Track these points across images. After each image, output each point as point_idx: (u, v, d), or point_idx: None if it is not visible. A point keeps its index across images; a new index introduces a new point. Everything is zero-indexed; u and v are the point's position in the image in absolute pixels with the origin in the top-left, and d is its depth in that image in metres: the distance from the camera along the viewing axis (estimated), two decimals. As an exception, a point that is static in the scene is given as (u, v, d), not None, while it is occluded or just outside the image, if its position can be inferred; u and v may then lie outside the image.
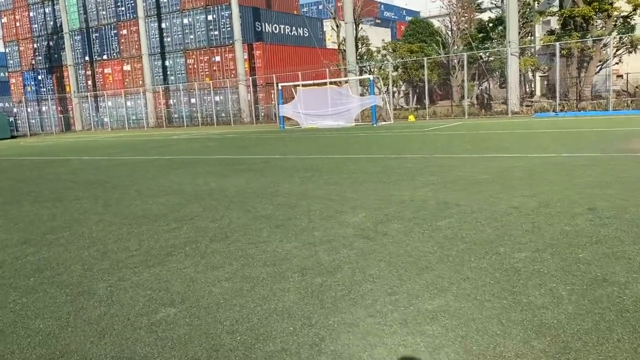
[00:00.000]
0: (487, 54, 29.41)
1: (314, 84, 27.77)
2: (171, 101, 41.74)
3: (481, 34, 30.38)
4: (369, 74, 28.66)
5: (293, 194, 7.49)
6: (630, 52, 26.05)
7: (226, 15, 37.96)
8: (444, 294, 3.46)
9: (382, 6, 65.27)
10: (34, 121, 49.87)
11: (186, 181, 9.55)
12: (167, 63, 41.53)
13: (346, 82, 27.11)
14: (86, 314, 3.55)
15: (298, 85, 26.97)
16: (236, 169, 10.86)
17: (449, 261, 4.12)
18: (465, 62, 25.41)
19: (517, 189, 6.82)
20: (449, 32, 51.34)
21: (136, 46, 42.68)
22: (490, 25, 31.15)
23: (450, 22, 48.26)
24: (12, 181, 11.32)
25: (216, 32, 38.70)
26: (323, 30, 47.70)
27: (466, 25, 53.45)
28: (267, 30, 40.69)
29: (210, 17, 38.77)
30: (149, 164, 13.26)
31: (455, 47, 47.81)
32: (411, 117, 26.78)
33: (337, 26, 34.72)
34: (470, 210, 5.81)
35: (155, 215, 6.69)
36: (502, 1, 59.14)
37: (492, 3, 59.41)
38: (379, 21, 59.86)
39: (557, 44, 22.85)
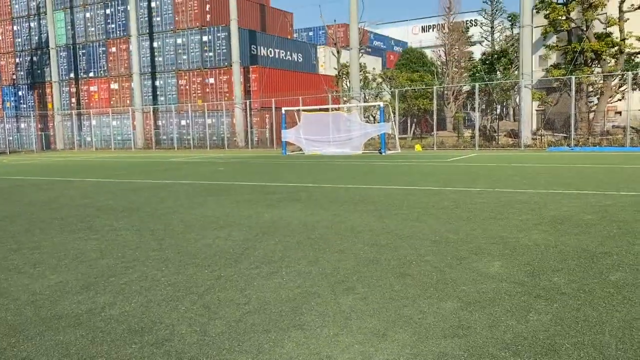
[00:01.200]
0: (493, 86, 29.14)
1: (319, 110, 26.96)
2: (160, 122, 40.43)
3: (485, 65, 30.14)
4: (373, 101, 28.00)
5: (377, 231, 6.47)
6: (634, 89, 26.01)
7: (222, 36, 37.18)
8: None
9: (372, 35, 65.50)
10: (11, 138, 47.75)
11: (232, 211, 8.44)
12: (157, 83, 40.35)
13: (348, 109, 26.35)
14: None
15: (303, 110, 26.07)
16: (277, 198, 9.79)
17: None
18: (476, 93, 24.97)
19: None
20: (443, 63, 51.53)
21: (125, 64, 41.47)
22: (495, 57, 30.95)
23: (445, 53, 48.48)
24: (21, 205, 10.01)
25: (211, 54, 37.82)
26: (317, 56, 47.24)
27: (456, 57, 53.72)
28: (262, 54, 39.96)
29: (205, 38, 37.91)
30: (170, 188, 12.07)
31: (449, 77, 47.88)
32: (417, 147, 26.10)
33: (337, 52, 34.12)
34: None
35: (229, 253, 5.59)
36: (491, 35, 59.93)
37: (482, 37, 60.27)
38: (370, 50, 59.86)
39: (573, 77, 22.61)
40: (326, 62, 48.89)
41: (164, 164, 21.40)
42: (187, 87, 38.97)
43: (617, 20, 23.69)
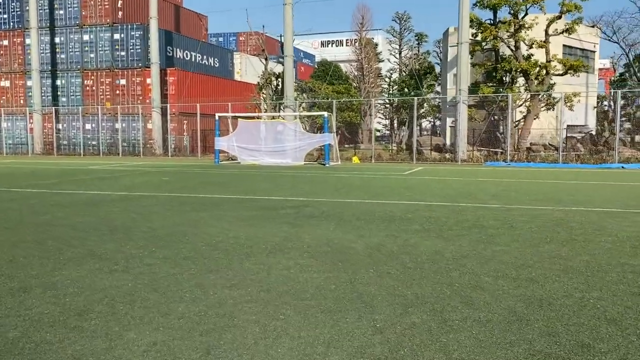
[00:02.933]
0: (419, 100, 29.61)
1: (257, 117, 25.65)
2: (61, 126, 36.55)
3: (412, 80, 30.59)
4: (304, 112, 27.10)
5: (445, 256, 5.62)
6: (548, 109, 27.62)
7: (137, 35, 34.49)
8: None
9: (282, 46, 65.03)
10: None
11: (255, 231, 7.16)
12: (58, 82, 36.51)
13: (288, 118, 25.35)
14: None
15: (240, 118, 24.64)
16: (286, 214, 8.60)
17: None
18: (415, 106, 25.08)
19: None
20: (359, 77, 52.15)
21: (20, 60, 37.13)
22: (422, 73, 31.55)
23: (362, 67, 48.99)
24: (-38, 222, 7.91)
25: (123, 53, 34.91)
26: (233, 63, 45.65)
27: (371, 72, 54.72)
28: (178, 56, 37.67)
29: (117, 36, 34.95)
30: (136, 202, 10.34)
31: (365, 92, 48.53)
32: (355, 159, 25.68)
33: (265, 59, 32.99)
34: None
35: (343, 293, 4.45)
36: (399, 53, 61.90)
37: (391, 54, 62.09)
38: (282, 60, 59.23)
39: (510, 95, 23.47)
40: (242, 69, 47.44)
41: (88, 172, 18.95)
42: (94, 88, 35.61)
43: (544, 43, 25.02)
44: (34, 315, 3.87)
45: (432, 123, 40.29)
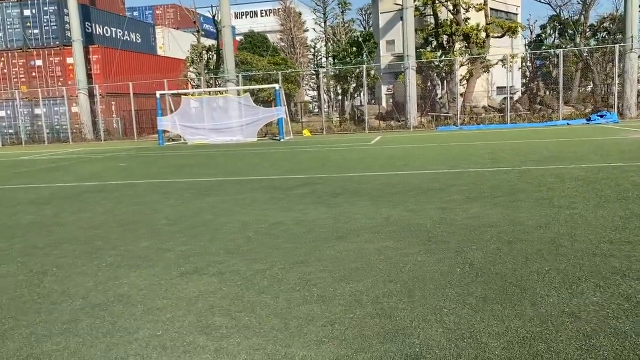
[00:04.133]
0: (357, 69, 29.27)
1: (203, 93, 24.29)
2: (-33, 114, 32.98)
3: (354, 48, 30.22)
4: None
5: (535, 223, 5.40)
6: (484, 72, 28.30)
7: (50, 10, 31.52)
8: None
9: (202, 18, 62.22)
10: None
11: (290, 215, 6.58)
12: (-39, 66, 32.82)
13: (234, 92, 24.21)
14: None
15: (182, 94, 23.25)
16: (301, 194, 8.05)
17: None
18: (364, 75, 24.72)
19: None
20: (288, 47, 51.15)
21: None
22: (360, 40, 31.19)
23: (293, 38, 47.97)
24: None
25: (36, 31, 31.84)
26: (155, 37, 43.10)
27: (300, 41, 53.91)
28: (97, 33, 34.93)
29: (27, 12, 31.77)
30: (120, 192, 9.32)
31: (297, 62, 47.70)
32: (306, 132, 25.10)
33: (197, 31, 31.31)
34: None
35: (437, 274, 4.06)
36: (324, 22, 61.19)
37: (316, 23, 61.26)
38: (203, 32, 56.74)
39: (457, 58, 23.72)
40: (165, 44, 45.01)
41: (28, 163, 17.15)
42: (6, 70, 32.35)
43: (483, 6, 25.44)
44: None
45: (371, 92, 40.28)
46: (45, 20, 31.69)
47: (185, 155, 17.07)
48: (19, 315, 3.67)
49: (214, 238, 5.60)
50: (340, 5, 58.51)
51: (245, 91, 23.26)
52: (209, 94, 24.52)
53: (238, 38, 55.18)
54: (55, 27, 31.49)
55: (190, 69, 36.92)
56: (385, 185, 8.47)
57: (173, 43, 45.58)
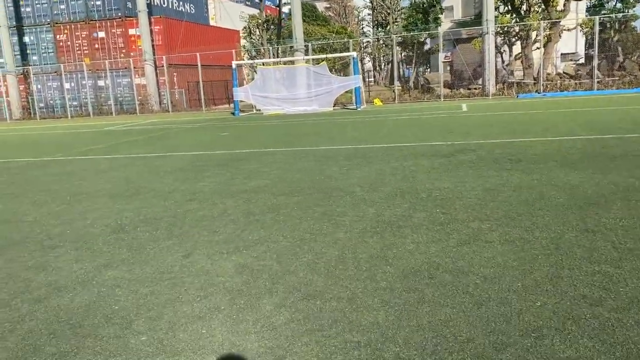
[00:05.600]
0: (424, 37, 28.57)
1: (279, 63, 24.07)
2: (34, 87, 33.51)
3: (420, 14, 29.45)
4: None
5: None
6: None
7: (112, -18, 31.48)
8: None
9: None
10: None
11: (489, 182, 6.32)
12: (26, 39, 33.23)
13: (311, 62, 23.85)
14: None
15: (259, 65, 23.04)
16: (463, 160, 7.78)
17: None
18: (441, 40, 24.03)
19: None
20: (341, 16, 50.30)
21: (-24, 16, 33.35)
22: (427, 6, 30.35)
23: (345, 6, 47.08)
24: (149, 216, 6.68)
25: (99, 3, 31.88)
26: (207, 8, 42.82)
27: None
28: (156, 3, 34.82)
29: (89, -16, 31.80)
30: (285, 157, 9.21)
31: (350, 31, 46.93)
32: (377, 101, 24.70)
33: (260, 0, 30.87)
34: None
35: None
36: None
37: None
38: (249, 3, 56.30)
39: (542, 23, 22.85)
40: (217, 14, 44.73)
41: (122, 133, 17.28)
42: (69, 43, 32.61)
43: (565, -31, 24.39)
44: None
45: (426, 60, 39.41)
46: (107, -9, 31.67)
47: (277, 125, 16.91)
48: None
49: (466, 206, 5.41)
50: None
51: (321, 60, 22.91)
52: (283, 64, 24.23)
53: (285, 9, 54.50)
54: (118, -2, 31.47)
55: (247, 40, 36.68)
56: (555, 152, 8.14)
57: (224, 14, 45.27)
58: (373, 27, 53.52)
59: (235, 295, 3.44)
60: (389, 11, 50.35)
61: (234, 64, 22.94)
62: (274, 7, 64.59)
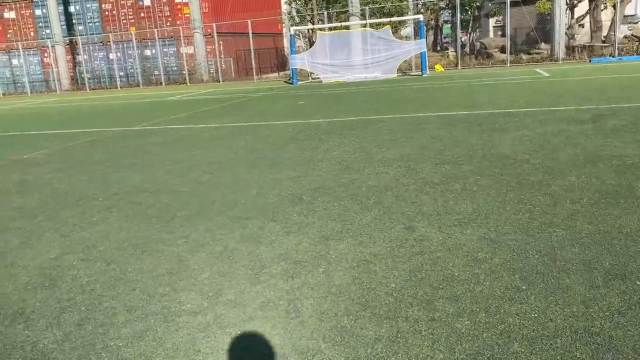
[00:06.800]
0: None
1: (339, 28, 23.34)
2: (81, 57, 33.36)
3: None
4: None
5: None
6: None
7: (157, -52, 30.81)
8: None
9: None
10: None
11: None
12: (72, 9, 32.96)
13: (375, 25, 22.89)
14: None
15: (318, 30, 22.34)
16: (620, 126, 7.16)
17: None
18: (507, 5, 22.79)
19: None
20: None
21: (23, -14, 33.17)
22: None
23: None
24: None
25: (144, -30, 31.33)
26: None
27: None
28: (198, -30, 34.06)
29: (133, -49, 31.19)
30: (400, 124, 8.71)
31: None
32: (438, 67, 23.85)
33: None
34: None
35: None
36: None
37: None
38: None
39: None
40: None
41: (193, 102, 16.94)
42: (115, 12, 32.25)
43: None
44: None
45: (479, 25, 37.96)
46: (152, -42, 31.03)
47: (353, 93, 16.33)
48: None
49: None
50: None
51: (384, 24, 22.06)
52: (343, 29, 23.46)
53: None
54: (164, -36, 30.83)
55: (292, 5, 35.78)
56: None
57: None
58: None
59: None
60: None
61: (291, 29, 22.32)
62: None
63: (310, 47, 27.17)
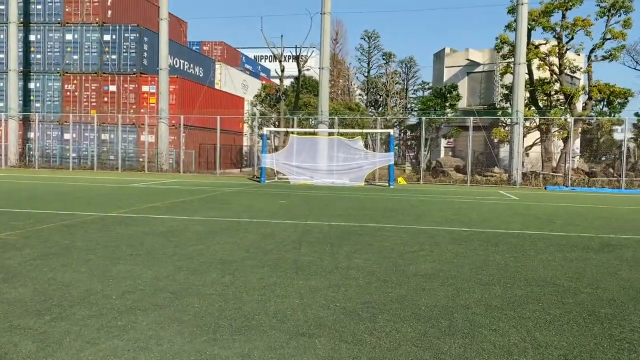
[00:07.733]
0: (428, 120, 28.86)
1: (311, 133, 23.62)
2: (33, 134, 32.07)
3: (437, 98, 29.94)
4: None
5: None
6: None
7: (131, 37, 31.19)
8: None
9: (243, 58, 62.41)
10: None
11: None
12: (32, 85, 32.19)
13: (349, 135, 23.46)
14: None
15: (291, 133, 22.56)
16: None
17: None
18: (471, 126, 23.98)
19: None
20: (340, 94, 51.14)
21: (-14, 58, 32.32)
22: (444, 91, 30.96)
23: (349, 84, 47.87)
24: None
25: (114, 56, 31.40)
26: (214, 72, 42.93)
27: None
28: (170, 63, 34.57)
29: (107, 37, 31.40)
30: (388, 234, 8.37)
31: (390, 109, 47.58)
32: (401, 180, 24.34)
33: (282, 70, 30.93)
34: None
35: None
36: (368, 72, 61.62)
37: (358, 72, 61.72)
38: (248, 72, 56.84)
39: (572, 119, 23.32)
40: (222, 79, 44.77)
41: (161, 192, 16.16)
42: (77, 93, 31.69)
43: (588, 68, 25.31)
44: None
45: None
46: (124, 46, 31.28)
47: (330, 197, 16.11)
48: None
49: None
50: (384, 57, 59.21)
51: (354, 135, 22.61)
52: (313, 134, 23.82)
53: (287, 82, 55.19)
54: (135, 54, 31.07)
55: (257, 107, 36.55)
56: None
57: (228, 79, 45.39)
58: (366, 107, 54.41)
59: None
60: (387, 93, 51.63)
61: (264, 130, 22.38)
62: (267, 78, 65.52)
63: (275, 148, 27.42)
